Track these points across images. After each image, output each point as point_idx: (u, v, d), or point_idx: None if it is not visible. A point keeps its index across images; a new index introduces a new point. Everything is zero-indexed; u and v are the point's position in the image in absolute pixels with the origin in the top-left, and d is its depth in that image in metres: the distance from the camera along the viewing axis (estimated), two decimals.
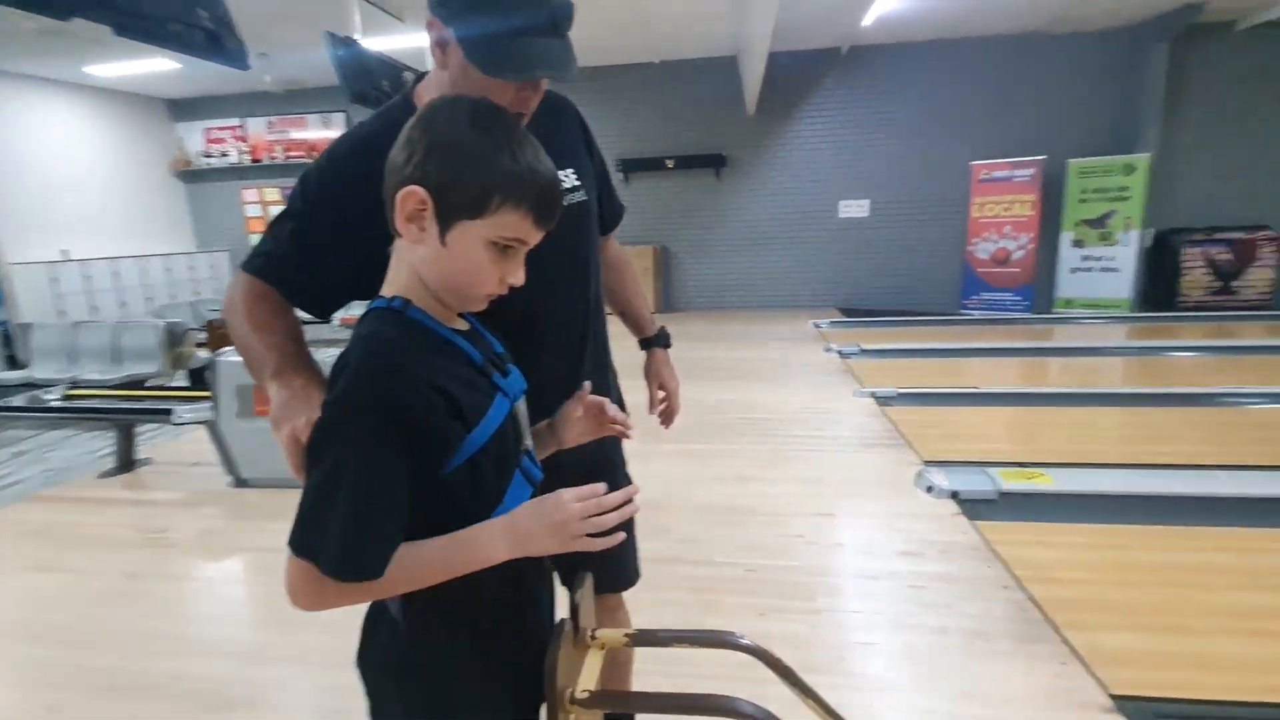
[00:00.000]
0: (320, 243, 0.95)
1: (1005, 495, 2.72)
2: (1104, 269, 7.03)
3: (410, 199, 0.70)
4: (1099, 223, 7.03)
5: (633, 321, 1.44)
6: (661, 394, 1.40)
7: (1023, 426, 3.77)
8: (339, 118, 8.54)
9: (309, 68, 7.45)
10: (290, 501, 0.67)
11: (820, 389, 4.51)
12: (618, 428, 0.95)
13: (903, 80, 7.45)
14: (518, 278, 0.77)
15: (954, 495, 2.74)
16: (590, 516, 0.73)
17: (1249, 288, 6.84)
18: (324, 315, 1.04)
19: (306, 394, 0.85)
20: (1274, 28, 6.63)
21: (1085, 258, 7.10)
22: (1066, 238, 7.17)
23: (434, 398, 0.69)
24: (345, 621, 0.81)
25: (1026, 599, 2.07)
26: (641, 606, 1.33)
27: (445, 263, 0.73)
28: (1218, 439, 3.36)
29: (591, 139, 1.23)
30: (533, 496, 0.79)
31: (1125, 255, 6.93)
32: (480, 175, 0.70)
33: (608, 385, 1.26)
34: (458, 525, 0.72)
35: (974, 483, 2.81)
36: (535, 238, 0.76)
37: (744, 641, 0.91)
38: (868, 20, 6.37)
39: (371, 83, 4.44)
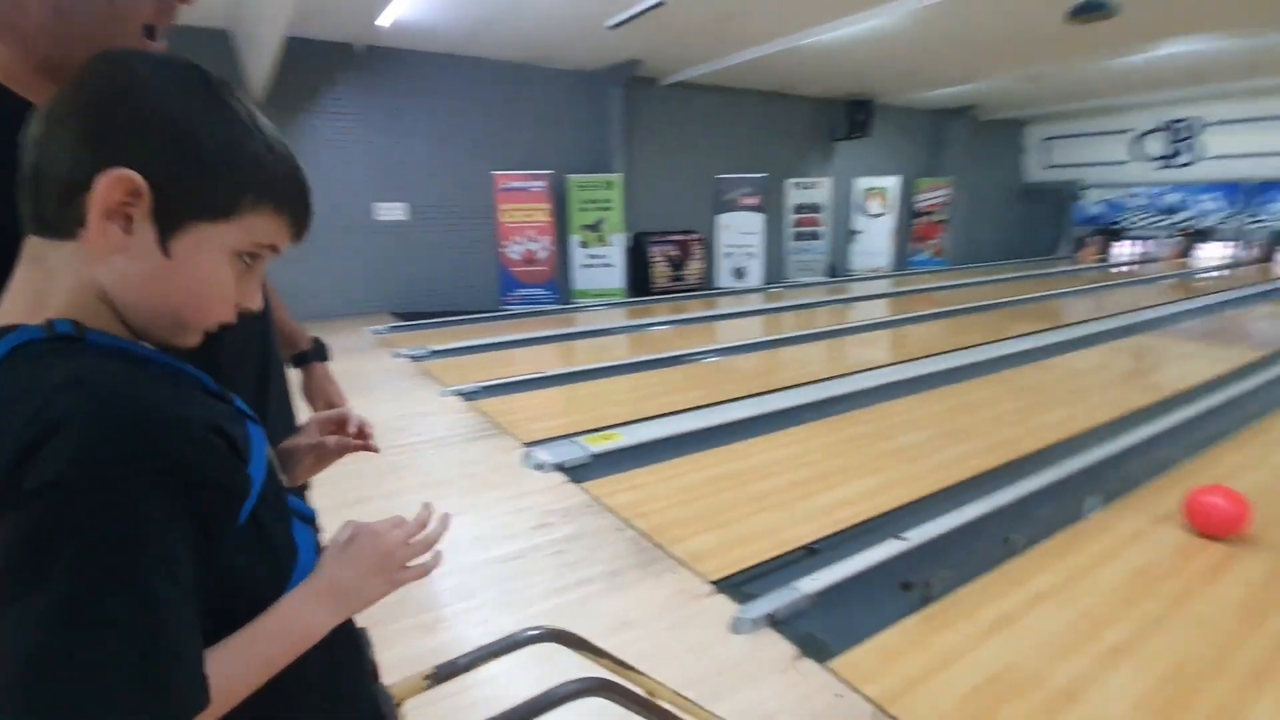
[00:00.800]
0: None
1: (595, 457, 3.23)
2: (603, 265, 8.71)
3: (116, 189, 0.50)
4: (594, 228, 8.64)
5: (283, 335, 1.27)
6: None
7: (584, 398, 4.46)
8: None
9: None
10: None
11: (405, 395, 4.43)
12: (366, 444, 0.86)
13: (425, 88, 7.68)
14: (256, 300, 0.61)
15: (559, 467, 3.12)
16: (411, 539, 0.67)
17: (691, 275, 9.44)
18: None
19: None
20: (681, 88, 9.22)
21: (590, 256, 8.66)
22: (574, 240, 8.60)
23: (214, 440, 0.52)
24: None
25: (637, 534, 2.54)
26: None
27: (165, 279, 0.54)
28: (699, 385, 4.62)
29: None
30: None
31: (615, 253, 8.72)
32: (230, 164, 0.54)
33: (295, 418, 1.09)
34: (252, 601, 0.55)
35: (570, 453, 3.24)
36: (285, 247, 0.62)
37: (535, 633, 0.95)
38: (384, 21, 6.35)
39: None
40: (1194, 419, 3.70)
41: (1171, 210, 12.53)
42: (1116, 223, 13.22)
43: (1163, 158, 12.43)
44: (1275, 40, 7.25)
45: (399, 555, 0.64)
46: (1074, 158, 13.56)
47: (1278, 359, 5.01)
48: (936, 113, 12.15)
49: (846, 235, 11.36)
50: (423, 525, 0.67)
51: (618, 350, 6.06)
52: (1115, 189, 13.15)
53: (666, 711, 0.86)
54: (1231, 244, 11.89)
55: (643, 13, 6.05)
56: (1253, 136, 11.23)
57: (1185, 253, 12.37)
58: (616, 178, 8.57)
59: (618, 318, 7.66)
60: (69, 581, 0.42)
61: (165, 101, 0.53)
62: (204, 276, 0.55)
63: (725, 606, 2.07)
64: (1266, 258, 11.48)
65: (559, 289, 8.47)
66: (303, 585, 0.59)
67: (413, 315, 7.55)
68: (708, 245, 9.62)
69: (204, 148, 0.53)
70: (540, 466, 3.12)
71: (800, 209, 10.60)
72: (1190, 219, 12.33)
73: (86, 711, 0.42)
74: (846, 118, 10.82)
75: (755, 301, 8.83)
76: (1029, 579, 2.18)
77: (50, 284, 0.53)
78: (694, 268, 9.43)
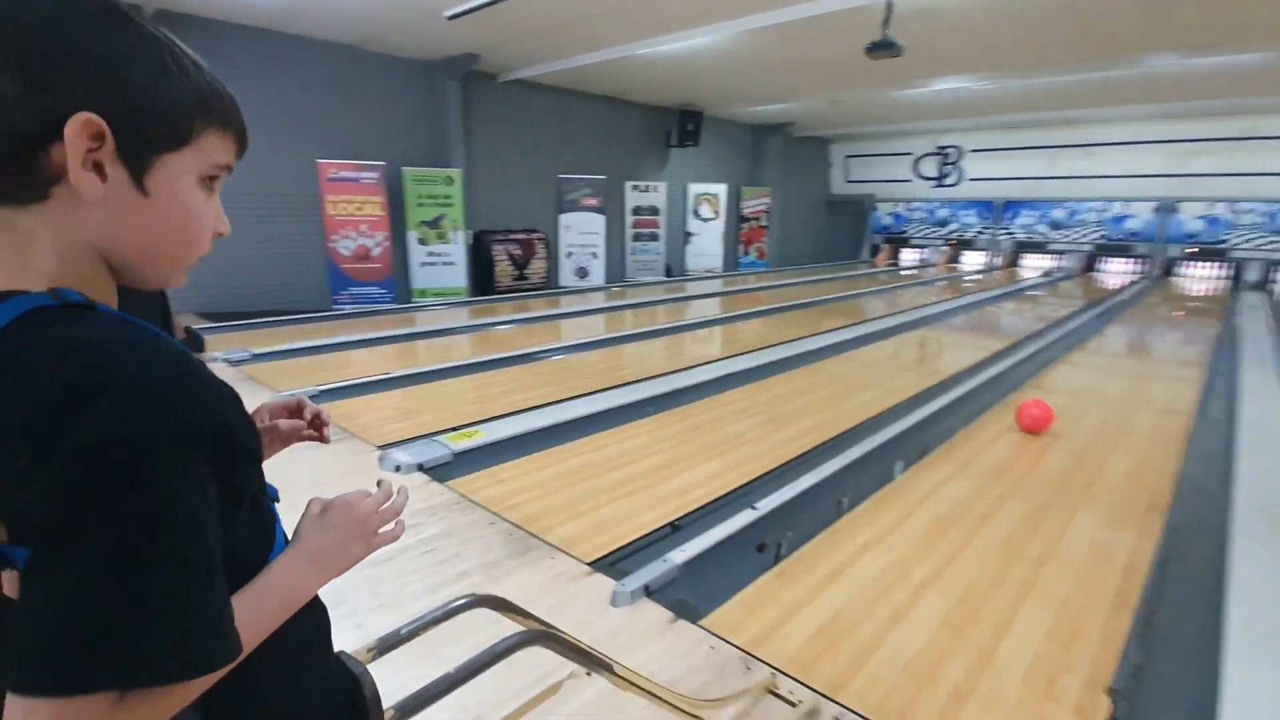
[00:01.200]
0: None
1: (458, 455, 3.20)
2: (444, 263, 8.43)
3: (85, 133, 0.48)
4: (434, 224, 8.34)
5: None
6: None
7: (432, 398, 4.35)
8: None
9: None
10: None
11: None
12: (319, 434, 0.86)
13: (235, 63, 6.90)
14: (225, 223, 0.61)
15: (420, 467, 3.04)
16: (380, 508, 0.71)
17: (534, 274, 9.44)
18: None
19: None
20: (520, 86, 9.18)
21: (430, 253, 8.34)
22: (412, 236, 8.23)
23: (240, 405, 0.55)
24: None
25: (509, 525, 2.58)
26: None
27: (152, 219, 0.53)
28: (548, 382, 4.70)
29: None
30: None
31: (457, 251, 8.48)
32: (172, 89, 0.53)
33: None
34: (244, 566, 0.58)
35: (431, 452, 3.17)
36: (235, 165, 0.62)
37: (465, 601, 1.00)
38: None
39: None
40: (966, 395, 4.47)
41: (943, 223, 14.76)
42: (904, 232, 15.29)
43: (935, 178, 14.61)
44: (1017, 84, 8.89)
45: (372, 522, 0.68)
46: (869, 174, 15.49)
47: (1021, 346, 6.18)
48: (756, 127, 13.23)
49: (683, 237, 12.01)
50: (389, 495, 0.71)
51: (463, 350, 5.93)
52: (901, 203, 15.22)
53: (595, 657, 0.96)
54: (986, 252, 14.28)
55: (483, 6, 5.98)
56: (1002, 163, 13.66)
57: (953, 259, 14.64)
58: (456, 173, 8.34)
59: (461, 317, 7.47)
60: (119, 535, 0.44)
61: (90, 34, 0.50)
62: (186, 206, 0.56)
63: (603, 584, 2.19)
64: (1012, 264, 13.95)
65: (397, 287, 8.06)
66: (288, 551, 0.62)
67: (225, 315, 6.78)
68: (550, 244, 9.68)
69: (144, 77, 0.51)
70: (399, 468, 3.02)
71: (639, 211, 11.02)
72: (956, 231, 14.61)
73: (135, 658, 0.44)
74: (679, 126, 11.43)
75: (598, 300, 9.05)
76: (857, 533, 2.55)
77: (32, 249, 0.51)
78: (537, 267, 9.45)
